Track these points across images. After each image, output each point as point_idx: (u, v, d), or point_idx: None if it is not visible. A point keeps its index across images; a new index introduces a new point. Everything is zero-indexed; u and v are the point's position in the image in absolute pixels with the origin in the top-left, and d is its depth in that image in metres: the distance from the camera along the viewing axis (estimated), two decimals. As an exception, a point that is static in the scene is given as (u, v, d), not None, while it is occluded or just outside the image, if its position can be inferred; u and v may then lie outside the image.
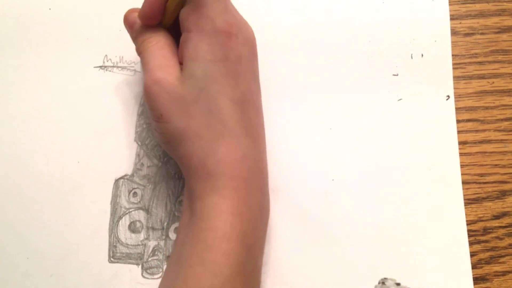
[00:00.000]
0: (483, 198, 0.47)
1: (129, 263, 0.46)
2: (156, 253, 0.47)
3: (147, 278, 0.46)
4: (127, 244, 0.47)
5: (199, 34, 0.39)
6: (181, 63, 0.41)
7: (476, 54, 0.50)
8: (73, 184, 0.48)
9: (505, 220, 0.46)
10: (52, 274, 0.46)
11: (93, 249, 0.46)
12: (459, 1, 0.51)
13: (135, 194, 0.48)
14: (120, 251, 0.47)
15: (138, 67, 0.50)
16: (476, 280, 0.45)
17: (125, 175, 0.48)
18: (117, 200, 0.47)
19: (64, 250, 0.46)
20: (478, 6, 0.51)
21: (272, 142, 0.48)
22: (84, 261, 0.46)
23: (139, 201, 0.48)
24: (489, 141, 0.48)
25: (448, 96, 0.48)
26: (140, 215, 0.48)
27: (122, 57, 0.50)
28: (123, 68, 0.50)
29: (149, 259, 0.47)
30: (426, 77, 0.49)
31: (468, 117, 0.48)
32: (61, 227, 0.47)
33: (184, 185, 0.48)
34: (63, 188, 0.47)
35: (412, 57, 0.49)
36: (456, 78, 0.49)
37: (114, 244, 0.47)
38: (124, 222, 0.47)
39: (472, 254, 0.45)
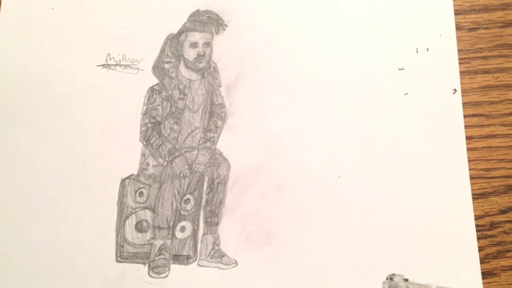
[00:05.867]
0: (490, 193, 0.47)
1: (136, 262, 0.46)
2: (163, 252, 0.47)
3: (154, 277, 0.46)
4: (134, 243, 0.47)
5: None
6: None
7: (480, 48, 0.50)
8: (80, 185, 0.47)
9: (512, 215, 0.46)
10: (61, 275, 0.46)
11: (101, 249, 0.46)
12: (462, -5, 0.51)
13: (141, 193, 0.48)
14: (127, 250, 0.46)
15: (141, 65, 0.50)
16: (484, 275, 0.45)
17: (131, 175, 0.48)
18: (124, 200, 0.47)
19: (72, 250, 0.46)
20: (482, 1, 0.51)
21: (278, 139, 0.48)
22: (92, 261, 0.46)
23: (145, 201, 0.48)
24: (494, 136, 0.48)
25: (455, 90, 0.48)
26: (146, 215, 0.47)
27: (125, 55, 0.50)
28: (126, 66, 0.50)
29: (156, 258, 0.47)
30: (432, 71, 0.49)
31: (473, 112, 0.48)
32: (69, 227, 0.47)
33: (190, 184, 0.48)
34: (70, 189, 0.47)
35: (417, 51, 0.49)
36: (461, 73, 0.49)
37: (121, 243, 0.46)
38: (131, 221, 0.47)
39: (479, 249, 0.45)
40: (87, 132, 0.49)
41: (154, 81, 0.49)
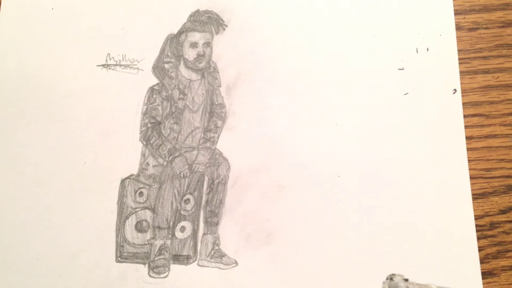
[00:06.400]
0: (490, 193, 0.47)
1: (136, 262, 0.46)
2: (163, 252, 0.47)
3: (154, 277, 0.46)
4: (134, 243, 0.47)
5: None
6: None
7: (480, 48, 0.50)
8: (80, 185, 0.47)
9: (512, 215, 0.46)
10: (61, 275, 0.46)
11: (101, 249, 0.46)
12: (462, -5, 0.51)
13: (141, 193, 0.48)
14: (127, 250, 0.46)
15: (141, 65, 0.50)
16: (484, 275, 0.45)
17: (131, 175, 0.48)
18: (124, 200, 0.47)
19: (72, 250, 0.46)
20: (482, 1, 0.51)
21: (278, 139, 0.48)
22: (92, 261, 0.46)
23: (145, 201, 0.48)
24: (494, 136, 0.48)
25: (455, 90, 0.48)
26: (146, 215, 0.47)
27: (125, 55, 0.50)
28: (126, 66, 0.50)
29: (156, 258, 0.47)
30: (432, 71, 0.49)
31: (473, 112, 0.48)
32: (69, 228, 0.47)
33: (190, 184, 0.48)
34: (70, 189, 0.47)
35: (417, 51, 0.49)
36: (461, 73, 0.49)
37: (121, 243, 0.47)
38: (131, 221, 0.47)
39: (479, 249, 0.45)
40: (87, 132, 0.49)
41: (154, 81, 0.49)
